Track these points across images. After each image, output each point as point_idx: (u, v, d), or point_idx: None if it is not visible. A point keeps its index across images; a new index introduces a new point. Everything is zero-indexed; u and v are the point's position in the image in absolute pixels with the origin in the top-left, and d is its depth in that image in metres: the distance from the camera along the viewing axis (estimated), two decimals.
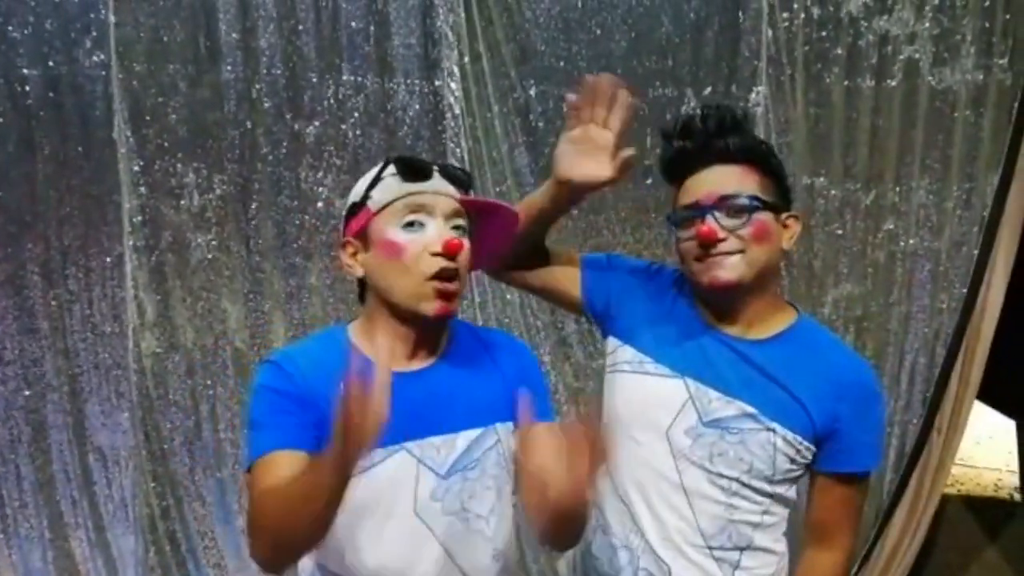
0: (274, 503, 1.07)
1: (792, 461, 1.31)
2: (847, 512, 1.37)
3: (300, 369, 1.19)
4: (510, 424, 1.29)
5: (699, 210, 1.28)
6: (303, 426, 1.15)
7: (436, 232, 1.18)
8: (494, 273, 1.58)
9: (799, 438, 1.29)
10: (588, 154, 1.27)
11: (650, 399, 1.35)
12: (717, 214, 1.26)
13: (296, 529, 1.05)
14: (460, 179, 1.25)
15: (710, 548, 1.32)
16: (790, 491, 1.36)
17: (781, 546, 1.39)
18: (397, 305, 1.19)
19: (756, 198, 1.28)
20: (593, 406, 1.29)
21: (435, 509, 1.19)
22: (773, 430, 1.28)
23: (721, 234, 1.26)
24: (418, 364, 1.24)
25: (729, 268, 1.26)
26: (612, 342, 1.46)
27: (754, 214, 1.27)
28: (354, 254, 1.23)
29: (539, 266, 1.48)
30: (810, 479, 1.37)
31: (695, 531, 1.31)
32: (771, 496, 1.33)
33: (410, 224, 1.18)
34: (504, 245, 1.33)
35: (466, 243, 1.20)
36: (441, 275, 1.17)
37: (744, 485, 1.30)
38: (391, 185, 1.20)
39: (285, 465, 1.10)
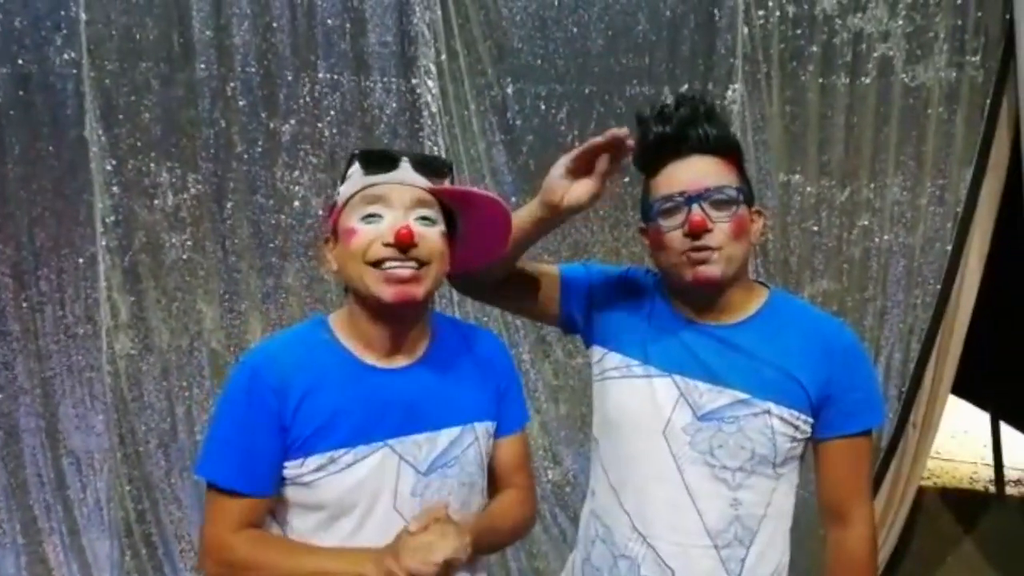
0: (228, 558, 1.16)
1: (792, 440, 1.29)
2: (858, 477, 1.34)
3: (281, 370, 1.18)
4: (488, 423, 1.31)
5: (685, 199, 1.25)
6: (270, 451, 1.17)
7: (391, 223, 1.16)
8: (467, 292, 1.56)
9: (795, 413, 1.28)
10: (579, 179, 1.24)
11: (642, 402, 1.34)
12: (704, 204, 1.24)
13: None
14: (435, 168, 1.23)
15: (716, 547, 1.29)
16: (794, 471, 1.35)
17: (785, 542, 1.37)
18: (361, 295, 1.19)
19: (741, 191, 1.27)
20: None
21: (414, 504, 1.20)
22: (768, 411, 1.27)
23: (710, 224, 1.23)
24: (402, 361, 1.24)
25: (713, 264, 1.25)
26: (597, 350, 1.45)
27: (737, 208, 1.26)
28: (333, 249, 1.24)
29: (515, 284, 1.46)
30: (816, 455, 1.35)
31: (701, 531, 1.29)
32: (776, 479, 1.31)
33: (369, 216, 1.17)
34: (497, 242, 1.27)
35: (426, 231, 1.17)
36: (386, 262, 1.15)
37: (749, 474, 1.28)
38: (355, 179, 1.21)
39: (242, 514, 1.17)
